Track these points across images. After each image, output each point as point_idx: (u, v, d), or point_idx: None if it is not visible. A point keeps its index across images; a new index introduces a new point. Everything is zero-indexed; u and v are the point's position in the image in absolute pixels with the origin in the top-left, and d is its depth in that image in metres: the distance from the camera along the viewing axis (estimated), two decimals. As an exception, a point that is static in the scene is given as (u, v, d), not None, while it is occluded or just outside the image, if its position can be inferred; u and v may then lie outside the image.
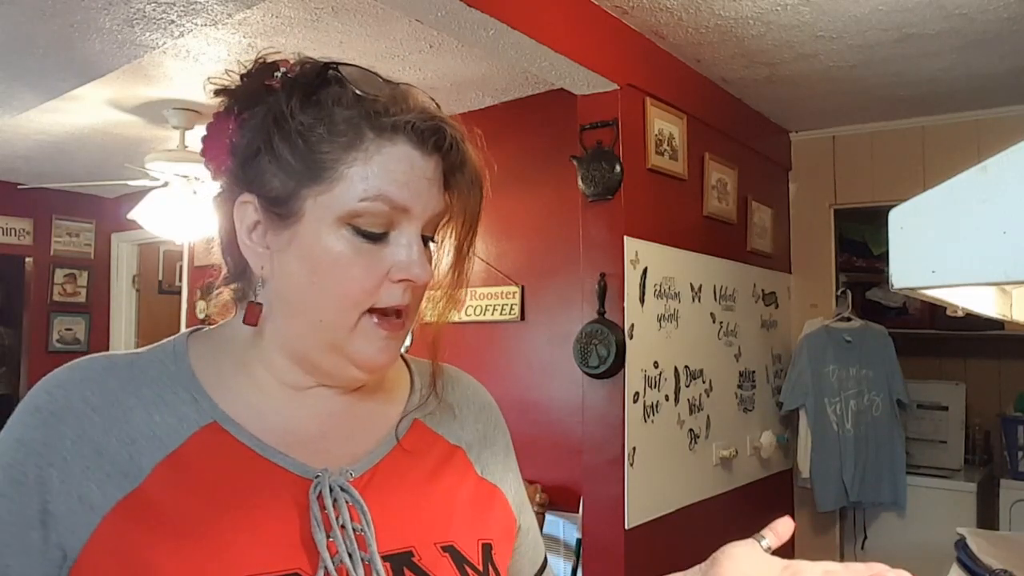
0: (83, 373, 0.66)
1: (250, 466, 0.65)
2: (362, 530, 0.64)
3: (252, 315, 0.69)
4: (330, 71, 0.66)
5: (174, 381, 0.67)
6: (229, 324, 0.73)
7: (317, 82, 0.66)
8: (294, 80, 0.66)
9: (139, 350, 0.71)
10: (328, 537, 0.62)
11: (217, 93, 0.69)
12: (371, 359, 0.68)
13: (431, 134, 0.66)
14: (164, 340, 0.72)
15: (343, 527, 0.63)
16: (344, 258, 0.65)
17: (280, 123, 0.65)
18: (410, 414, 0.76)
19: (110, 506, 0.61)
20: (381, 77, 0.68)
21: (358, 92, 0.65)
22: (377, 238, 0.66)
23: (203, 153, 0.71)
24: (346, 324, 0.66)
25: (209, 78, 0.71)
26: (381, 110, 0.65)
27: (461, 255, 0.73)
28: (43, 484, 0.61)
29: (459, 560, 0.69)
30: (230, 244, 0.70)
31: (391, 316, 0.68)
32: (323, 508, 0.63)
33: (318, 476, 0.65)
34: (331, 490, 0.64)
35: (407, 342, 0.76)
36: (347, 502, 0.65)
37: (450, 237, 0.72)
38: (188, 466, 0.63)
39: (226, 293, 0.74)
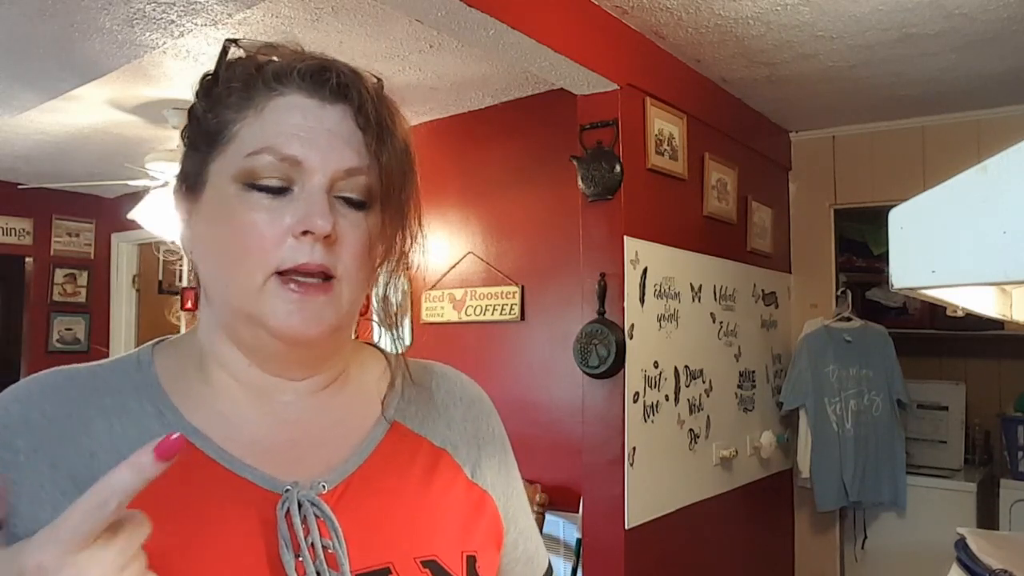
0: (41, 386, 0.63)
1: (216, 481, 0.61)
2: (333, 548, 0.60)
3: (186, 299, 0.68)
4: (228, 45, 0.66)
5: (138, 391, 0.64)
6: (192, 331, 0.70)
7: (220, 59, 0.66)
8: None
9: (102, 361, 0.68)
10: (297, 557, 0.59)
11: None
12: (283, 323, 0.62)
13: (322, 78, 0.63)
14: (129, 351, 0.70)
15: (312, 546, 0.60)
16: (240, 215, 0.62)
17: (191, 110, 0.67)
18: (388, 416, 0.72)
19: None
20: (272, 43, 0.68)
21: (246, 53, 0.66)
22: (276, 192, 0.62)
23: None
24: (251, 286, 0.61)
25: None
26: (265, 63, 0.65)
27: (399, 221, 0.67)
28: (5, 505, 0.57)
29: (441, 575, 0.65)
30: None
31: (305, 277, 0.62)
32: (291, 526, 0.60)
33: (287, 491, 0.62)
34: (300, 506, 0.61)
35: (406, 341, 0.74)
36: (317, 517, 0.61)
37: (387, 202, 0.66)
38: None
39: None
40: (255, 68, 0.65)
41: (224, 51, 0.66)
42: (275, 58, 0.66)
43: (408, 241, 0.69)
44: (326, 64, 0.64)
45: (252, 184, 0.62)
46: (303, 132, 0.62)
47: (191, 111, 0.67)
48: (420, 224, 0.70)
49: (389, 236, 0.67)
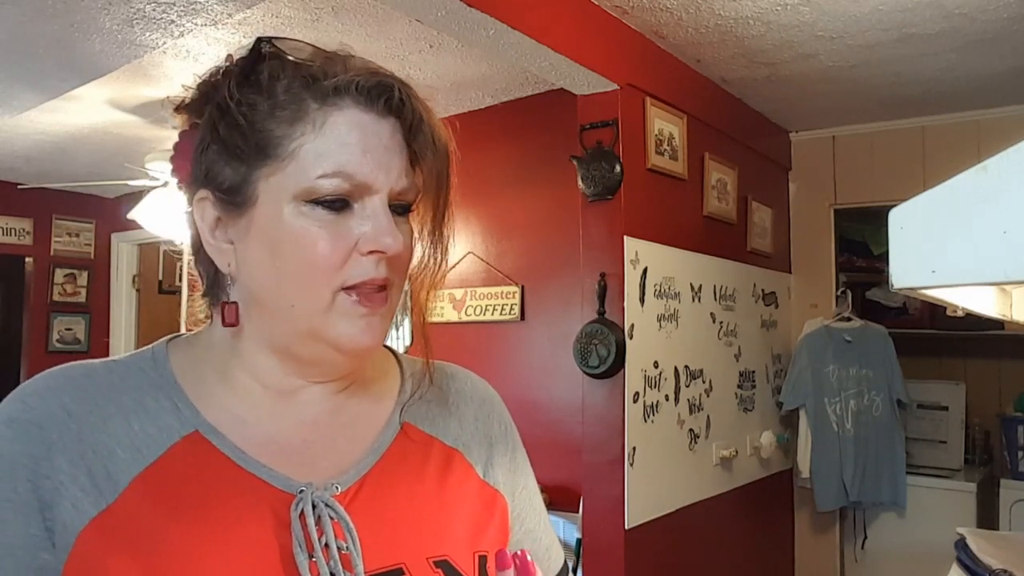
0: (59, 380, 0.63)
1: (231, 479, 0.62)
2: (347, 548, 0.60)
3: (231, 314, 0.65)
4: (263, 45, 0.63)
5: (155, 388, 0.64)
6: (208, 330, 0.70)
7: (254, 59, 0.63)
8: (233, 65, 0.64)
9: (116, 357, 0.68)
10: (311, 558, 0.59)
11: (177, 110, 0.68)
12: (353, 339, 0.63)
13: (379, 93, 0.62)
14: (142, 348, 0.69)
15: (327, 546, 0.60)
16: (306, 235, 0.61)
17: (223, 109, 0.63)
18: (400, 417, 0.72)
19: (83, 525, 0.57)
20: (313, 45, 0.65)
21: (291, 59, 0.63)
22: (339, 210, 0.62)
23: (172, 173, 0.70)
24: (319, 305, 0.62)
25: (168, 97, 0.70)
26: (319, 74, 0.62)
27: (437, 227, 0.68)
28: (40, 499, 0.58)
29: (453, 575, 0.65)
30: (200, 252, 0.68)
31: (370, 291, 0.63)
32: (306, 526, 0.60)
33: (301, 491, 0.62)
34: (314, 507, 0.61)
35: (407, 341, 0.74)
36: (332, 518, 0.61)
37: (426, 209, 0.67)
38: (166, 479, 0.60)
39: (202, 303, 0.71)
40: (309, 79, 0.62)
41: (258, 52, 0.63)
42: (324, 67, 0.63)
43: (440, 246, 0.70)
44: (385, 81, 0.63)
45: (315, 202, 0.61)
46: (368, 151, 0.62)
47: (220, 107, 0.63)
48: (451, 229, 0.70)
49: (424, 242, 0.68)
